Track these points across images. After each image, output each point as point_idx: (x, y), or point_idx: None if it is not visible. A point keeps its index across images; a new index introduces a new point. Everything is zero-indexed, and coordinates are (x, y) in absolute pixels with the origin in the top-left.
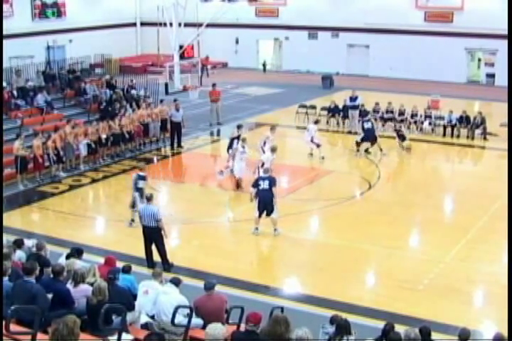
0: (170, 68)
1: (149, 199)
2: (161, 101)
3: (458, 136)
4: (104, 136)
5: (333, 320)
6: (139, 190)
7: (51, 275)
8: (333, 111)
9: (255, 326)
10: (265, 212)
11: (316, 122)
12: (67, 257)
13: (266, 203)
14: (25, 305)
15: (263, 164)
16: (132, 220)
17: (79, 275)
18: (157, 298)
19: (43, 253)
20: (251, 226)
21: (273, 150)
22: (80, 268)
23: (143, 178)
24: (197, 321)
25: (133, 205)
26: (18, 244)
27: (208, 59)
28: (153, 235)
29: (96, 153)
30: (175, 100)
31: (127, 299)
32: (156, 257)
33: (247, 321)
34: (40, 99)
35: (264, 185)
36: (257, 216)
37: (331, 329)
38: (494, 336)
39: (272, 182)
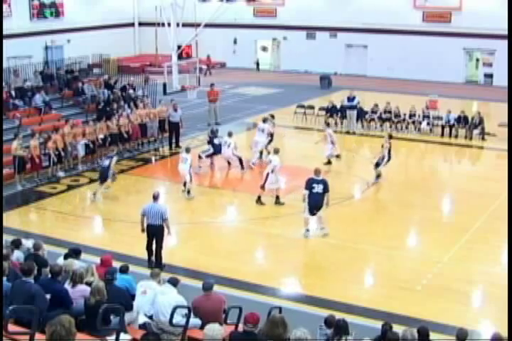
0: (168, 68)
1: (156, 198)
2: (160, 101)
3: (456, 136)
4: (101, 136)
5: (328, 322)
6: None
7: (49, 276)
8: (331, 111)
9: (254, 326)
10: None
11: (265, 120)
12: (65, 257)
13: (317, 206)
14: (24, 305)
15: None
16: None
17: (77, 275)
18: (155, 298)
19: (40, 253)
20: (250, 226)
21: (276, 152)
22: (78, 268)
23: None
24: (195, 321)
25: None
26: (16, 245)
27: (209, 58)
28: (157, 233)
29: (94, 153)
30: (171, 100)
31: (125, 299)
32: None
33: (245, 322)
34: (38, 99)
35: (318, 188)
36: (307, 216)
37: (329, 330)
38: (492, 336)
39: (326, 185)
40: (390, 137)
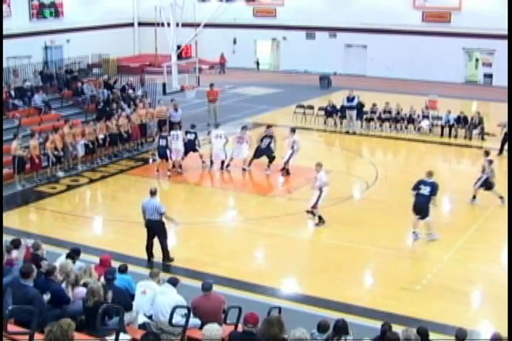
0: (168, 68)
1: (153, 193)
2: (159, 101)
3: (455, 136)
4: (101, 136)
5: (321, 326)
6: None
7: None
8: (330, 111)
9: (254, 327)
10: (418, 216)
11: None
12: (67, 257)
13: (421, 208)
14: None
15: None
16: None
17: (73, 279)
18: (154, 299)
19: (39, 253)
20: (249, 226)
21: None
22: (72, 270)
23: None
24: (194, 321)
25: None
26: (16, 245)
27: (223, 57)
28: (155, 228)
29: (93, 153)
30: (171, 100)
31: (125, 299)
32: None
33: (245, 322)
34: (38, 99)
35: (425, 190)
36: (416, 218)
37: (320, 338)
38: (492, 336)
39: (434, 189)
40: (487, 154)
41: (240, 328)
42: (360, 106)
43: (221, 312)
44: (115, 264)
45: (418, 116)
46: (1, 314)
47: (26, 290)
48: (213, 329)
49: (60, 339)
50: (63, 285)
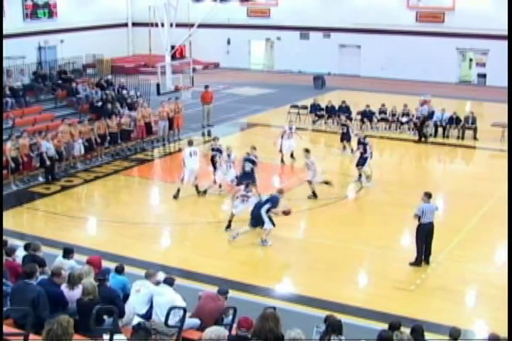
0: (162, 68)
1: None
2: (169, 99)
3: (447, 137)
4: (79, 141)
5: (326, 320)
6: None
7: (45, 277)
8: (315, 110)
9: (248, 331)
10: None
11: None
12: (64, 257)
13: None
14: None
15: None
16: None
17: (75, 277)
18: (153, 300)
19: (39, 254)
20: (244, 227)
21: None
22: (75, 269)
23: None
24: (193, 321)
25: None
26: (8, 252)
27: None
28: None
29: (92, 152)
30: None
31: (115, 304)
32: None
33: (239, 326)
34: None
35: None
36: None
37: (321, 329)
38: (489, 336)
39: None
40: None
41: (234, 329)
42: (347, 110)
43: (219, 316)
44: (109, 265)
45: (412, 115)
46: (1, 314)
47: (31, 288)
48: (220, 329)
49: (62, 338)
50: (63, 286)
